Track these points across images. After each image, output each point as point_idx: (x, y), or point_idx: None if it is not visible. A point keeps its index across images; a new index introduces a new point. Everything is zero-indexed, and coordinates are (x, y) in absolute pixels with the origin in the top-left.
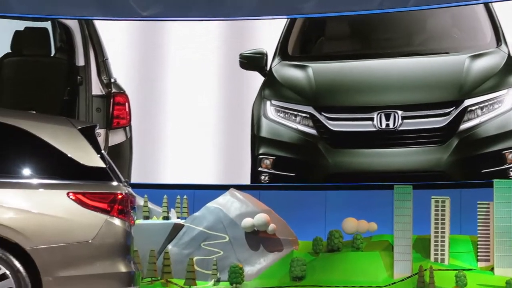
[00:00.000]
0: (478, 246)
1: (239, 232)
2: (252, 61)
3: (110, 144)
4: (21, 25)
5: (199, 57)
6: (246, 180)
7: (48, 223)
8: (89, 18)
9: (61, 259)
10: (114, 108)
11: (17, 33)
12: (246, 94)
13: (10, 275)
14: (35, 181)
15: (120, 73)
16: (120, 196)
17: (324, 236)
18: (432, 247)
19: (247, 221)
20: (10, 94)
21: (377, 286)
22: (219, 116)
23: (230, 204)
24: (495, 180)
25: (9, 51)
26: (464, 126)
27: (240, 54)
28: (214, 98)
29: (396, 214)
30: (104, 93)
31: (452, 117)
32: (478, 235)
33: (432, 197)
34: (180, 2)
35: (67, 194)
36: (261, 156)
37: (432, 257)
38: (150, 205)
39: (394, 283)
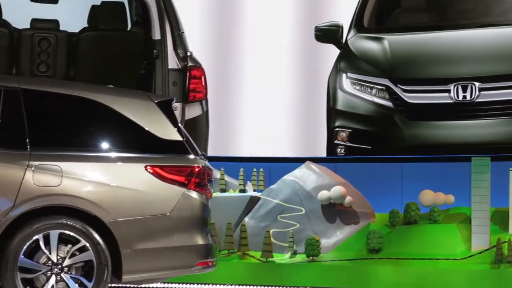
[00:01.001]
0: None
1: (316, 204)
2: (328, 34)
3: (186, 118)
4: (97, 0)
5: (274, 30)
6: (322, 153)
7: (126, 196)
8: None
9: (139, 231)
10: (190, 81)
11: (94, 8)
12: (322, 67)
13: (90, 248)
14: (113, 154)
15: (196, 46)
16: (197, 169)
17: (400, 208)
18: (511, 220)
19: (324, 194)
20: (88, 69)
21: (454, 259)
22: (294, 89)
23: (306, 176)
24: None
25: (86, 25)
26: None
27: (316, 27)
28: (290, 71)
29: (474, 186)
30: (180, 67)
31: None
32: None
33: (510, 169)
34: None
35: (145, 167)
36: (337, 129)
37: (511, 229)
38: (226, 178)
39: (472, 255)
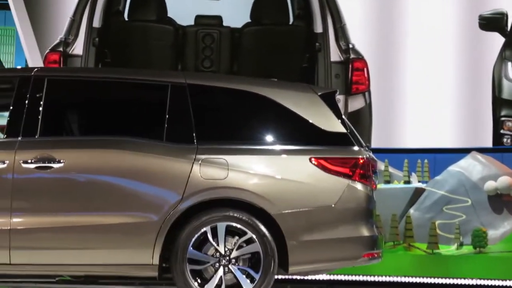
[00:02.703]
0: None
1: (482, 195)
2: (492, 22)
3: (349, 110)
4: None
5: (436, 19)
6: (488, 143)
7: (292, 188)
8: None
9: (305, 223)
10: (353, 73)
11: (256, 3)
12: (486, 56)
13: (256, 240)
14: (278, 147)
15: (357, 38)
16: (361, 161)
17: None
18: None
19: (490, 184)
20: (251, 63)
21: None
22: (458, 79)
23: (472, 167)
24: None
25: (249, 20)
26: None
27: (480, 16)
28: (453, 61)
29: None
30: (342, 59)
31: None
32: None
33: None
34: None
35: (310, 159)
36: (503, 118)
37: None
38: (390, 169)
39: None
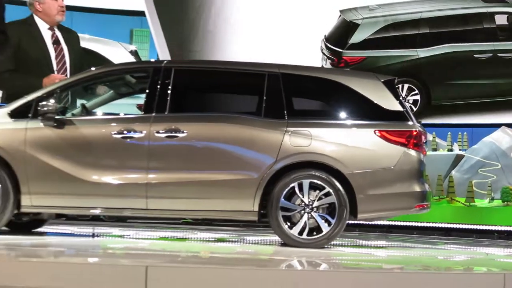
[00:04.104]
0: None
1: (510, 161)
2: None
3: None
4: None
5: None
6: None
7: (360, 153)
8: None
9: (370, 181)
10: None
11: None
12: None
13: (332, 193)
14: (349, 122)
15: None
16: (415, 133)
17: None
18: None
19: None
20: None
21: None
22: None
23: (501, 138)
24: None
25: None
26: None
27: None
28: None
29: None
30: None
31: None
32: None
33: None
34: None
35: (374, 131)
36: None
37: None
38: (437, 140)
39: None
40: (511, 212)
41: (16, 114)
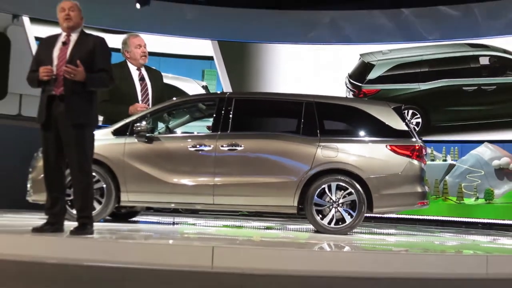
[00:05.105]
0: None
1: (491, 168)
2: None
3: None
4: None
5: None
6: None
7: (375, 163)
8: None
9: (383, 183)
10: None
11: None
12: None
13: (354, 192)
14: (367, 138)
15: None
16: (417, 147)
17: None
18: None
19: (496, 162)
20: None
21: None
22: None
23: (484, 151)
24: None
25: None
26: None
27: None
28: None
29: None
30: None
31: None
32: None
33: None
34: None
35: (386, 146)
36: None
37: None
38: (434, 152)
39: None
40: (492, 208)
41: (117, 133)
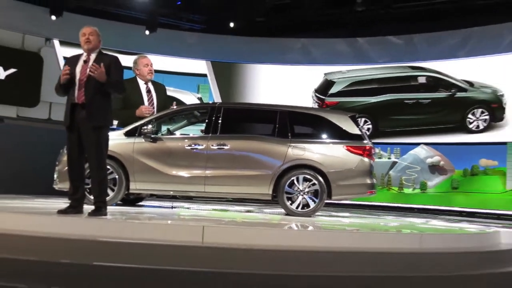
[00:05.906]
0: None
1: (425, 165)
2: None
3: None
4: None
5: None
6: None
7: (334, 160)
8: None
9: (340, 176)
10: None
11: None
12: None
13: (317, 183)
14: (328, 140)
15: None
16: (368, 148)
17: (469, 167)
18: None
19: (429, 160)
20: None
21: (497, 193)
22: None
23: (420, 152)
24: None
25: None
26: None
27: None
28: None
29: (509, 158)
30: None
31: None
32: None
33: None
34: None
35: (343, 146)
36: None
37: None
38: (381, 152)
39: (506, 191)
40: (426, 196)
41: (128, 134)
